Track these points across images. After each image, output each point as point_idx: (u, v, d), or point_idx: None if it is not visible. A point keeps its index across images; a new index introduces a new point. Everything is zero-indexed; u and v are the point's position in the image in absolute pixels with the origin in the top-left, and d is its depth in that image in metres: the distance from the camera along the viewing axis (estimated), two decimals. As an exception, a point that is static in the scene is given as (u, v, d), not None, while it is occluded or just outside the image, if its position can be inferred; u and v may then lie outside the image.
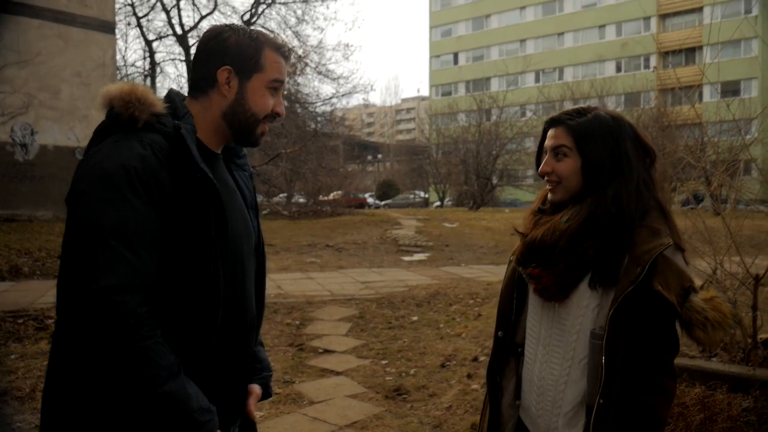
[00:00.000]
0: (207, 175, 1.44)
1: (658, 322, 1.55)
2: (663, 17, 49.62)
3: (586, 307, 1.63)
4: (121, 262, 1.32)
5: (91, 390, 1.39)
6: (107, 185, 1.36)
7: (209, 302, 1.46)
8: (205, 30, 1.65)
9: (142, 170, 1.38)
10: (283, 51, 1.62)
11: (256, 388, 1.73)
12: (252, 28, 1.66)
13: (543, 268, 1.67)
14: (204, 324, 1.46)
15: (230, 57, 1.55)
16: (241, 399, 1.66)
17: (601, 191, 1.64)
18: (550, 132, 1.74)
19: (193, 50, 21.74)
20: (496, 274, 10.38)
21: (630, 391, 1.55)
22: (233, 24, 1.64)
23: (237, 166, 1.72)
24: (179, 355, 1.40)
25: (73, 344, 1.40)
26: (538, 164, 1.80)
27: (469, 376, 4.96)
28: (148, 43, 23.98)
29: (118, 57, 23.21)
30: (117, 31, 19.76)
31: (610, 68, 51.05)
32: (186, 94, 1.63)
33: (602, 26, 52.52)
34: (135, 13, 23.08)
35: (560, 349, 1.69)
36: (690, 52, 37.63)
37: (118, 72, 22.35)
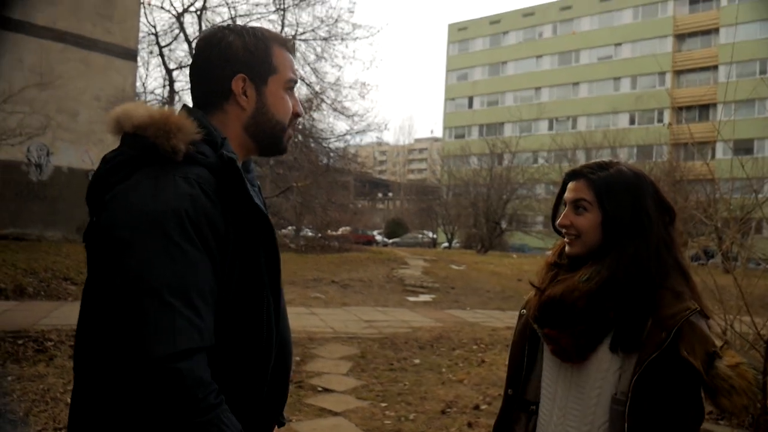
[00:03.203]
0: (262, 213, 1.31)
1: (683, 389, 1.50)
2: (678, 73, 50.10)
3: (607, 371, 1.58)
4: (182, 323, 1.15)
5: None
6: (157, 233, 1.18)
7: (264, 350, 1.32)
8: (202, 35, 1.46)
9: (193, 213, 1.20)
10: (289, 46, 1.49)
11: None
12: (251, 25, 1.50)
13: (561, 330, 1.62)
14: (256, 373, 1.32)
15: (241, 63, 1.39)
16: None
17: (621, 249, 1.60)
18: (571, 185, 1.70)
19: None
20: (501, 320, 10.26)
21: None
22: (230, 24, 1.47)
23: (248, 182, 1.54)
24: (234, 409, 1.25)
25: (121, 415, 1.22)
26: (554, 217, 1.77)
27: (469, 425, 4.85)
28: (169, 71, 24.31)
29: (138, 84, 23.57)
30: (139, 58, 20.14)
31: (623, 120, 51.34)
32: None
33: (617, 78, 53.02)
34: (158, 42, 23.46)
35: (578, 413, 1.63)
36: (704, 109, 37.90)
37: (137, 98, 22.67)
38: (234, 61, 1.39)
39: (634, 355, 1.53)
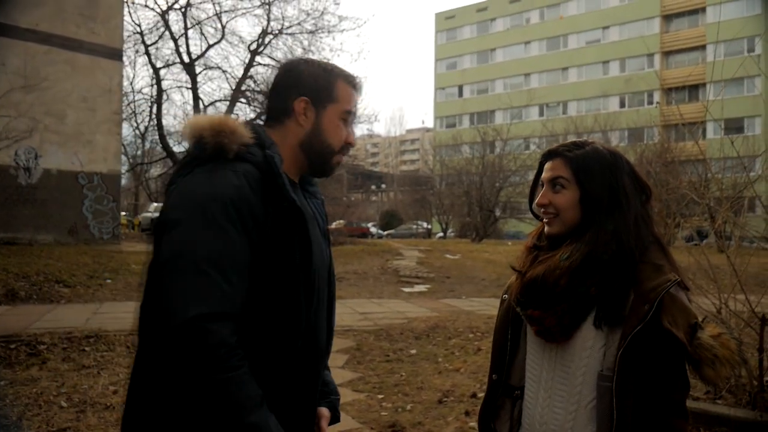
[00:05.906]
0: (296, 204, 1.47)
1: (668, 361, 1.50)
2: (666, 54, 50.12)
3: (592, 348, 1.57)
4: (215, 290, 1.33)
5: (175, 419, 1.38)
6: (203, 214, 1.37)
7: (291, 331, 1.47)
8: (281, 64, 1.69)
9: (237, 200, 1.40)
10: (354, 82, 1.66)
11: (325, 411, 1.75)
12: (326, 60, 1.73)
13: (544, 310, 1.61)
14: (284, 352, 1.47)
15: (305, 88, 1.60)
16: (310, 423, 1.66)
17: (600, 226, 1.60)
18: (548, 164, 1.71)
19: (201, 78, 21.65)
20: (497, 307, 10.23)
21: None
22: (309, 57, 1.69)
23: (310, 194, 1.72)
24: (258, 382, 1.38)
25: (159, 372, 1.38)
26: (531, 200, 1.77)
27: (466, 413, 4.83)
28: (156, 70, 24.13)
29: (126, 83, 23.41)
30: (125, 58, 19.98)
31: (613, 103, 51.39)
32: (260, 124, 1.65)
33: (606, 62, 53.03)
34: (144, 41, 23.26)
35: (564, 393, 1.62)
36: (693, 89, 37.94)
37: (124, 98, 22.53)
38: (300, 86, 1.60)
39: (618, 330, 1.53)
